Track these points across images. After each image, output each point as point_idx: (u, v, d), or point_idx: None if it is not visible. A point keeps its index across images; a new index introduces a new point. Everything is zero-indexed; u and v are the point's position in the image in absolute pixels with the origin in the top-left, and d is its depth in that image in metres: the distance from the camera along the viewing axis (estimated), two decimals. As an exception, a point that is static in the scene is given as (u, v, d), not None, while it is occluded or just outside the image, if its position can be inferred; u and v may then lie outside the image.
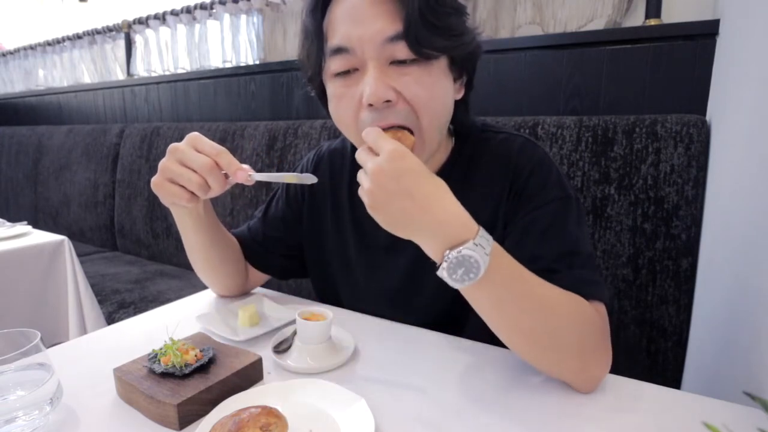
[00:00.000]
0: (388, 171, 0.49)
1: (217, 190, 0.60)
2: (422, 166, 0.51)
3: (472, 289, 0.51)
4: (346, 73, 0.60)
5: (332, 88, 0.63)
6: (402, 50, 0.57)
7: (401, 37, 0.56)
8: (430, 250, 0.51)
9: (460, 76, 0.66)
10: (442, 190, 0.52)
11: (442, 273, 0.49)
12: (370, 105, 0.58)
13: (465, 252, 0.48)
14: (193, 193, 0.60)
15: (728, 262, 0.79)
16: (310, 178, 0.59)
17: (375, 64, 0.58)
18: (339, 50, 0.59)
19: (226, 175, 0.61)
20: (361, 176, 0.52)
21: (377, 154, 0.51)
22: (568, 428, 0.49)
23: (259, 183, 1.72)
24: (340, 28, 0.59)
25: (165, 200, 0.62)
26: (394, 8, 0.56)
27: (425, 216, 0.49)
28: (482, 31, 0.67)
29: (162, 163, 0.60)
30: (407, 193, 0.49)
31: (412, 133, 0.60)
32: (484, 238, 0.49)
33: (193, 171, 0.58)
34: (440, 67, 0.61)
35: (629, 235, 1.09)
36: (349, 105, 0.61)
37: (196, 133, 0.60)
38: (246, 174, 0.59)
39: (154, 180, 0.61)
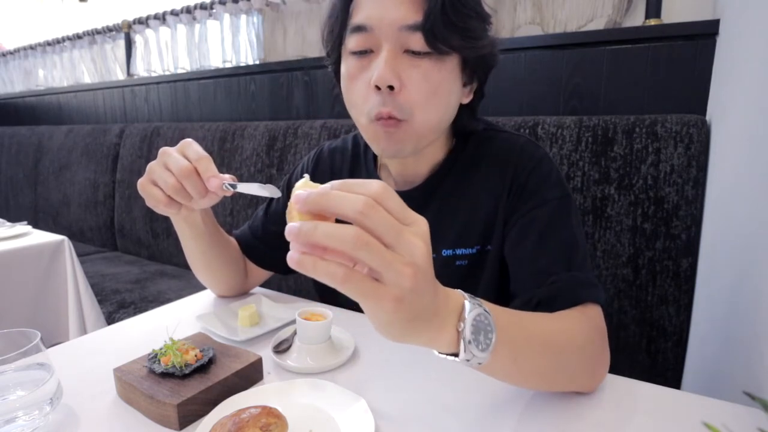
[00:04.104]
0: (428, 264, 0.35)
1: (197, 198, 0.58)
2: None
3: (493, 355, 0.41)
4: (362, 54, 0.62)
5: (346, 66, 0.64)
6: (417, 41, 0.58)
7: (418, 28, 0.58)
8: (445, 338, 0.39)
9: (470, 81, 0.67)
10: None
11: (469, 353, 0.39)
12: (377, 87, 0.59)
13: (473, 313, 0.39)
14: (172, 198, 0.59)
15: (728, 261, 0.79)
16: (274, 191, 0.55)
17: (389, 48, 0.59)
18: (359, 28, 0.61)
19: None
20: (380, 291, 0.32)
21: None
22: (568, 429, 0.49)
23: (259, 183, 1.72)
24: (364, 8, 0.61)
25: (148, 202, 0.61)
26: None
27: (441, 301, 0.38)
28: (499, 43, 0.67)
29: (149, 165, 0.60)
30: (433, 285, 0.36)
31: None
32: (464, 292, 0.42)
33: (172, 174, 0.58)
34: (451, 66, 0.61)
35: (629, 235, 1.09)
36: (360, 86, 0.63)
37: (189, 139, 0.60)
38: (220, 183, 0.56)
39: (139, 181, 0.60)
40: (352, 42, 0.62)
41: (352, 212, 0.31)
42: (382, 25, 0.59)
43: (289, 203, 0.35)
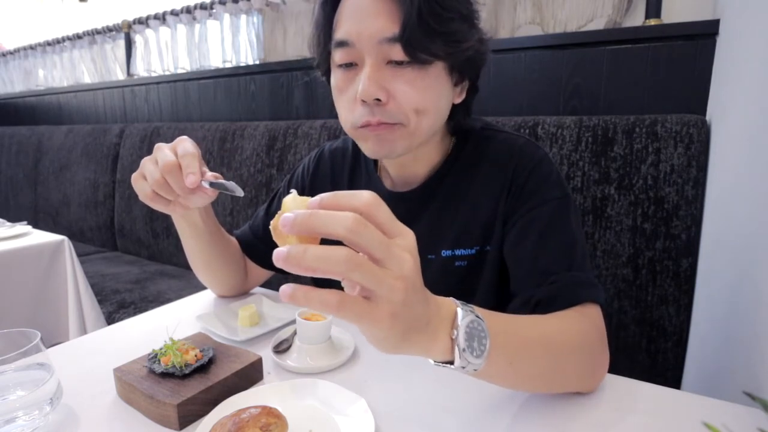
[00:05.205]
0: (417, 275, 0.35)
1: (181, 194, 0.59)
2: None
3: (488, 361, 0.41)
4: (348, 66, 0.62)
5: (335, 78, 0.65)
6: (397, 52, 0.58)
7: (397, 39, 0.57)
8: (439, 347, 0.39)
9: (461, 80, 0.66)
10: None
11: (464, 360, 0.39)
12: (363, 101, 0.60)
13: (466, 320, 0.39)
14: (157, 193, 0.60)
15: (728, 261, 0.79)
16: (238, 190, 0.57)
17: (371, 62, 0.59)
18: (341, 44, 0.61)
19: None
20: (362, 305, 0.32)
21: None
22: (567, 429, 0.49)
23: (259, 183, 1.72)
24: (345, 23, 0.61)
25: (139, 196, 0.62)
26: (396, 9, 0.57)
27: (432, 310, 0.38)
28: (490, 37, 0.67)
29: (143, 159, 0.61)
30: (423, 295, 0.37)
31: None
32: (457, 299, 0.42)
33: (158, 169, 0.58)
34: (437, 72, 0.61)
35: (629, 235, 1.09)
36: (347, 98, 0.63)
37: (184, 136, 0.60)
38: (196, 180, 0.56)
39: (133, 174, 0.61)
40: (337, 56, 0.62)
41: (342, 231, 0.31)
42: (362, 39, 0.58)
43: (272, 222, 0.35)
